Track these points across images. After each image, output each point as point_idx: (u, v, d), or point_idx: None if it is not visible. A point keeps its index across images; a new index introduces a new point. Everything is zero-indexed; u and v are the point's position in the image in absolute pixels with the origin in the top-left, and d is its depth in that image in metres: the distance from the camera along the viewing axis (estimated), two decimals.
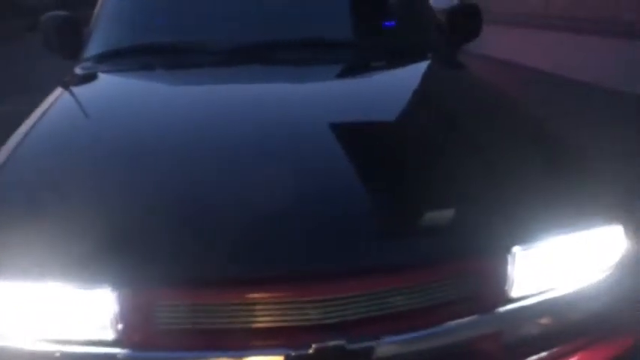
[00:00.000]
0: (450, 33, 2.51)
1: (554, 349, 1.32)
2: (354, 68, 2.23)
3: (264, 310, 1.18)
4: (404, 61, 2.27)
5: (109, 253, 1.18)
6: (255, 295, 1.18)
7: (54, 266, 1.17)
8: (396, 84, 2.13)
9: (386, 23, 2.67)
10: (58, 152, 1.57)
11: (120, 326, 1.16)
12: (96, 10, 2.35)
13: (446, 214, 1.36)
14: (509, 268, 1.26)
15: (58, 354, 1.17)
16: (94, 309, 1.17)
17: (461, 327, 1.24)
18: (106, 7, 2.33)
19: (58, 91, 1.97)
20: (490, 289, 1.26)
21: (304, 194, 1.36)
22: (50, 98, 1.92)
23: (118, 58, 2.15)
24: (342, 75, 2.21)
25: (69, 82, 2.06)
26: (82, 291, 1.16)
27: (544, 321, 1.34)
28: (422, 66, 2.28)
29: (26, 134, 1.64)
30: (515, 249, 1.26)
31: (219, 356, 1.18)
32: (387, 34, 2.52)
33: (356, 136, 1.68)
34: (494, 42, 5.75)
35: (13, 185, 1.44)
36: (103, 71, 2.09)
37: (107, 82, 2.07)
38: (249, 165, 1.47)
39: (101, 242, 1.20)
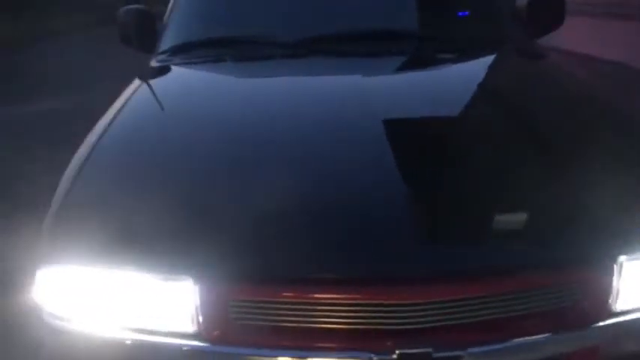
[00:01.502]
0: (530, 23, 2.37)
1: None
2: (426, 60, 2.15)
3: (346, 311, 1.14)
4: (479, 53, 2.16)
5: (192, 247, 1.18)
6: (337, 296, 1.14)
7: (137, 255, 1.17)
8: (471, 77, 2.02)
9: (460, 13, 2.56)
10: (139, 144, 1.59)
11: (199, 319, 1.15)
12: (170, 5, 2.40)
13: (545, 219, 1.26)
14: (615, 279, 1.16)
15: (135, 343, 1.18)
16: (174, 301, 1.17)
17: (557, 340, 1.15)
18: (180, 2, 2.37)
19: (136, 83, 2.01)
20: (592, 300, 1.17)
21: (385, 194, 1.30)
22: (128, 90, 1.96)
23: (191, 51, 2.17)
24: (412, 67, 2.13)
25: (145, 74, 2.10)
26: (164, 282, 1.16)
27: None
28: (498, 58, 2.15)
29: (107, 126, 1.67)
30: (622, 258, 1.16)
31: (299, 356, 1.14)
32: (461, 24, 2.41)
33: (432, 133, 1.60)
34: (570, 34, 5.44)
35: (100, 177, 1.46)
36: (177, 64, 2.12)
37: (181, 74, 2.10)
38: (325, 161, 1.43)
39: (185, 235, 1.20)
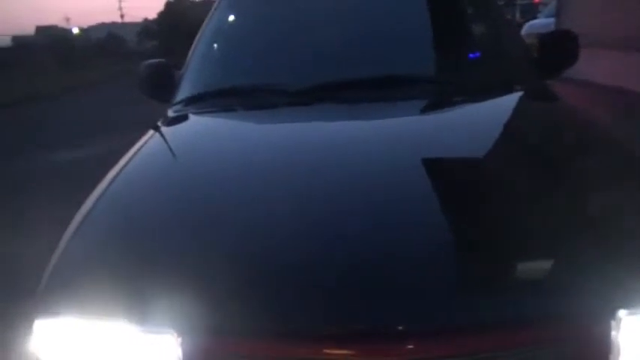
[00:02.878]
0: (544, 61, 2.34)
1: None
2: (439, 104, 2.13)
3: None
4: (492, 95, 2.13)
5: (177, 298, 1.19)
6: (334, 352, 1.12)
7: (123, 307, 1.19)
8: (484, 121, 1.99)
9: (471, 55, 2.56)
10: (143, 194, 1.64)
11: None
12: (187, 58, 2.53)
13: (541, 271, 1.23)
14: (614, 334, 1.11)
15: None
16: (158, 355, 1.17)
17: None
18: (195, 55, 2.51)
19: (149, 132, 2.10)
20: (591, 357, 1.12)
21: (391, 244, 1.28)
22: (141, 140, 2.04)
23: (203, 101, 2.27)
24: (425, 112, 2.12)
25: (160, 123, 2.20)
26: (147, 335, 1.17)
27: None
28: (511, 100, 2.13)
29: (116, 176, 1.73)
30: (621, 313, 1.11)
31: None
32: (472, 66, 2.40)
33: (445, 179, 1.58)
34: (594, 67, 5.37)
35: (99, 226, 1.51)
36: (191, 113, 2.21)
37: (193, 123, 2.18)
38: (337, 211, 1.41)
39: (172, 287, 1.21)
